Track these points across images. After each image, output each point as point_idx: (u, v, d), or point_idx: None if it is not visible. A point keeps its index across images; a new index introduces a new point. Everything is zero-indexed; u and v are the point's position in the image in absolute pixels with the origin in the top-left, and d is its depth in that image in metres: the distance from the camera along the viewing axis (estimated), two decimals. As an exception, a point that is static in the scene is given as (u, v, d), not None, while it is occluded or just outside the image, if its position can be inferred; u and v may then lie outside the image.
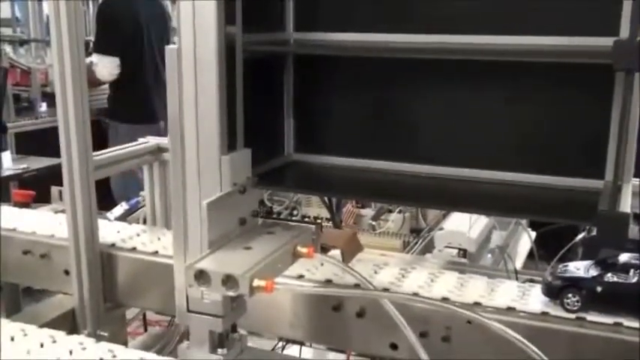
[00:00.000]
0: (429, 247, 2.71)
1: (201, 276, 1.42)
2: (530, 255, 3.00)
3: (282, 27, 2.03)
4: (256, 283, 1.39)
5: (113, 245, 2.21)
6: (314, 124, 2.09)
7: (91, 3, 6.14)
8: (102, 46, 4.98)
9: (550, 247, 2.84)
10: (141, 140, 2.68)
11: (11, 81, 5.26)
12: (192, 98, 1.62)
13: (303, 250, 1.57)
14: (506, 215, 2.81)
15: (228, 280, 1.39)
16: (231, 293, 1.41)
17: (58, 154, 2.11)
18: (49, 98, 5.24)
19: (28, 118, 5.39)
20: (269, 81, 2.03)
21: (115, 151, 2.54)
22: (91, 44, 5.32)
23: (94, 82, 5.13)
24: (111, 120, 5.24)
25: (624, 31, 1.76)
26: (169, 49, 1.62)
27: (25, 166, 4.58)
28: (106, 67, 4.93)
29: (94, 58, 4.99)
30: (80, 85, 2.08)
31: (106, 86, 5.29)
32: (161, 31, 5.19)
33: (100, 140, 5.07)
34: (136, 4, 5.03)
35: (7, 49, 5.36)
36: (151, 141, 2.66)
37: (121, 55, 4.91)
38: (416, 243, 2.78)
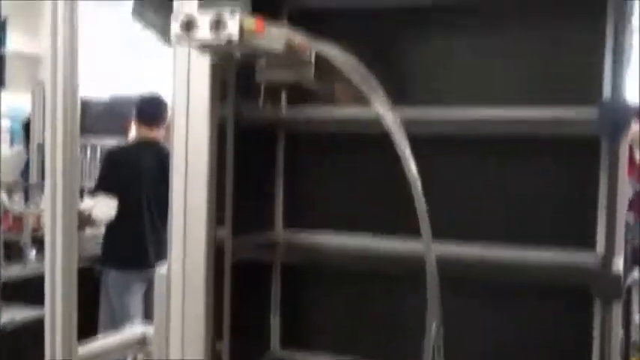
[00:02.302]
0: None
1: (189, 25, 1.41)
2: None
3: (272, 226, 2.10)
4: (247, 24, 1.38)
5: None
6: (300, 322, 2.11)
7: (88, 149, 6.27)
8: (101, 187, 5.04)
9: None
10: (127, 331, 2.65)
11: (4, 227, 5.23)
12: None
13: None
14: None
15: (218, 24, 1.38)
16: (220, 39, 1.38)
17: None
18: (39, 244, 5.18)
19: (17, 264, 5.30)
20: (257, 284, 2.07)
21: (101, 341, 2.53)
22: (86, 189, 5.39)
23: (89, 223, 5.14)
24: (103, 266, 5.17)
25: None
26: (159, 274, 1.69)
27: (10, 317, 4.40)
28: (103, 207, 4.96)
29: (91, 202, 5.03)
30: (70, 237, 2.09)
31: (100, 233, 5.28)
32: (160, 182, 5.27)
33: (92, 290, 4.99)
34: (139, 154, 5.16)
35: (3, 195, 5.39)
36: (137, 330, 2.63)
37: (118, 198, 4.95)
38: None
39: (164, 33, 2.01)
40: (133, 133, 5.36)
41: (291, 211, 2.19)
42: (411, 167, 1.53)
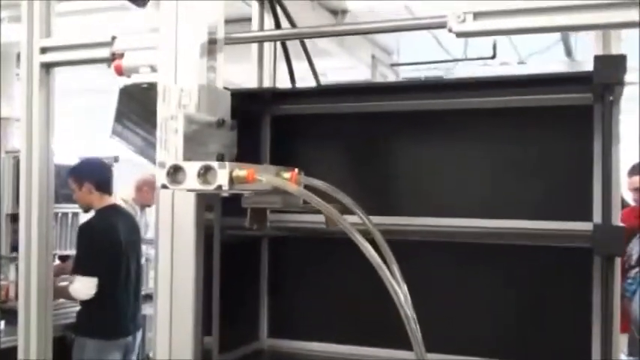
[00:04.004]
0: None
1: (176, 173, 1.35)
2: None
3: (256, 335, 2.08)
4: (236, 172, 1.32)
5: None
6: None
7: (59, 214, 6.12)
8: (81, 267, 4.91)
9: None
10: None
11: (-27, 301, 5.08)
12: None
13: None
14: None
15: (206, 173, 1.32)
16: (208, 188, 1.30)
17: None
18: (11, 315, 5.03)
19: (-16, 336, 5.13)
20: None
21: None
22: (56, 258, 5.25)
23: (67, 299, 5.02)
24: (78, 335, 5.02)
25: (597, 217, 1.79)
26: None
27: (-22, 395, 4.25)
28: (84, 286, 4.83)
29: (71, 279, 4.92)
30: (45, 305, 2.02)
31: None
32: (138, 247, 5.21)
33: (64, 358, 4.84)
34: (115, 224, 5.04)
35: (-28, 268, 5.24)
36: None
37: (99, 274, 4.84)
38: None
39: (143, 153, 1.98)
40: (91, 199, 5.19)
41: (275, 321, 2.16)
42: (399, 292, 1.48)
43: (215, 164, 1.36)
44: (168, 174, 1.39)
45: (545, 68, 7.02)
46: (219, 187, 1.35)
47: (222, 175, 1.35)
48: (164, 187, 1.40)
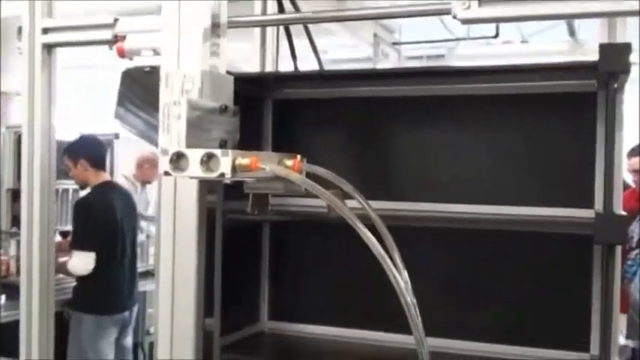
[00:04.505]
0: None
1: (179, 160, 1.36)
2: None
3: (257, 318, 2.08)
4: (239, 160, 1.33)
5: None
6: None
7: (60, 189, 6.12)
8: (79, 243, 4.92)
9: None
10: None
11: (-27, 274, 5.09)
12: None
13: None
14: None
15: (209, 160, 1.34)
16: (211, 176, 1.32)
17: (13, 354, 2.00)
18: (11, 290, 5.05)
19: (-15, 310, 5.14)
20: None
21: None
22: (57, 233, 5.26)
23: (65, 273, 5.03)
24: (75, 311, 5.05)
25: (598, 204, 1.79)
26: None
27: (-23, 366, 4.27)
28: (81, 262, 4.85)
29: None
30: (47, 280, 2.03)
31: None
32: (134, 223, 5.21)
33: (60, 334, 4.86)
34: (112, 200, 5.04)
35: (-28, 243, 5.25)
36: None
37: (96, 250, 4.85)
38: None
39: (145, 136, 1.98)
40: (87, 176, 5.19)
41: (276, 304, 2.17)
42: (399, 280, 1.49)
43: (218, 152, 1.36)
44: (171, 161, 1.39)
45: (547, 47, 6.98)
46: (222, 174, 1.36)
47: (225, 163, 1.35)
48: (167, 174, 1.40)
